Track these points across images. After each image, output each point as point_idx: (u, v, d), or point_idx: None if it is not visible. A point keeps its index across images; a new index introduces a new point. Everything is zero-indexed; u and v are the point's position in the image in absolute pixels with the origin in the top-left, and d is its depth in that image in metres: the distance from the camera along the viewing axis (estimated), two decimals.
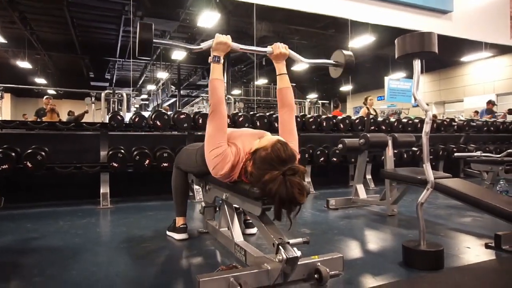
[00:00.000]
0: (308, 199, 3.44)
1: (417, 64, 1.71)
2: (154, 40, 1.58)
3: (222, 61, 1.69)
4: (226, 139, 1.63)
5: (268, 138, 1.57)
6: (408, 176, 2.57)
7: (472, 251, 1.91)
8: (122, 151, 3.19)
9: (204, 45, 1.71)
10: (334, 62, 2.05)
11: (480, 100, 9.23)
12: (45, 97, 7.08)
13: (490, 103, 8.11)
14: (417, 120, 4.76)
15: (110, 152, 3.18)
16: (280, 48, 1.83)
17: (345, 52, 2.02)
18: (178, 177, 2.16)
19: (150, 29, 1.57)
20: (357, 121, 4.43)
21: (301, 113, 6.75)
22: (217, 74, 1.68)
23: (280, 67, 1.86)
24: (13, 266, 1.70)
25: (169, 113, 3.76)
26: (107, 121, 3.46)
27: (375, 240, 2.24)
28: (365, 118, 4.42)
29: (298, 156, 1.64)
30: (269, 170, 1.38)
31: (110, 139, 3.45)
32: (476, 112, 8.74)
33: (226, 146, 1.60)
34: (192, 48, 1.76)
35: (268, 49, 1.82)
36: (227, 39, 1.70)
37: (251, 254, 1.59)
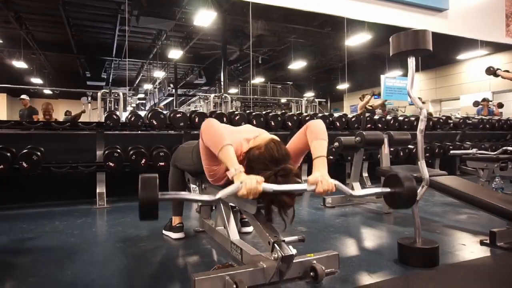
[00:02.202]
0: (304, 197, 3.44)
1: (411, 61, 1.72)
2: (160, 197, 1.26)
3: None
4: None
5: (262, 137, 1.55)
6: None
7: (467, 248, 1.92)
8: (118, 150, 3.18)
9: (222, 194, 1.28)
10: (389, 191, 1.57)
11: (476, 97, 9.25)
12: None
13: (484, 101, 8.37)
14: (413, 118, 4.78)
15: (106, 152, 3.18)
16: (323, 186, 1.37)
17: (403, 175, 1.54)
18: (174, 175, 2.15)
19: (154, 185, 1.27)
20: (353, 119, 4.44)
21: (298, 112, 6.76)
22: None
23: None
24: (8, 266, 1.70)
25: (165, 112, 3.75)
26: (103, 121, 3.45)
27: (371, 237, 2.25)
28: (361, 116, 4.43)
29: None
30: (262, 169, 1.36)
31: (106, 139, 3.43)
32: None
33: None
34: (206, 201, 1.35)
35: (310, 187, 1.36)
36: (259, 184, 1.25)
37: (247, 253, 1.59)
